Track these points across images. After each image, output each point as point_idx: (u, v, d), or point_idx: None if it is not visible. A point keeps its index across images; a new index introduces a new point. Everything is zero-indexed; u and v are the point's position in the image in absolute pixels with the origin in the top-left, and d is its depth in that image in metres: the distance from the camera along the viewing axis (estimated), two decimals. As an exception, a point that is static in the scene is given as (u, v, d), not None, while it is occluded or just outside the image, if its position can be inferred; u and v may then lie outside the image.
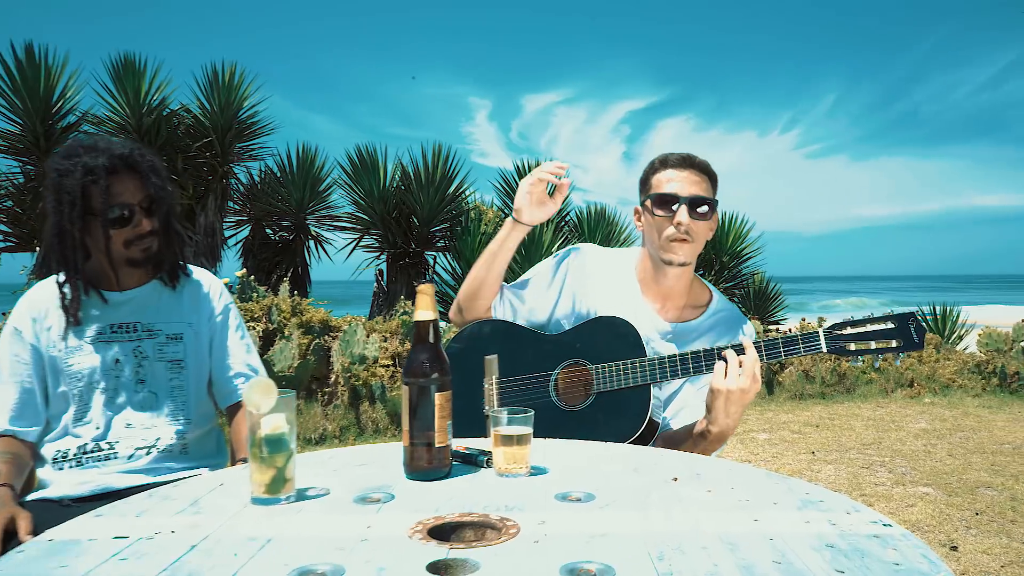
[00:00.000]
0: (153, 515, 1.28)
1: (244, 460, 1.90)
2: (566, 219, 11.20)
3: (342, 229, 11.51)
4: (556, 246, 9.68)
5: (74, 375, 1.94)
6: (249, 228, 11.31)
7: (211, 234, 10.33)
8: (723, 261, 10.65)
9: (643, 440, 1.93)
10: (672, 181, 2.04)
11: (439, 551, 1.08)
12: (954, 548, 3.45)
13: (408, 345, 6.97)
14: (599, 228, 10.61)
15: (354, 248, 11.34)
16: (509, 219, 2.13)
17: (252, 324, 6.62)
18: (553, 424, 1.99)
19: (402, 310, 7.59)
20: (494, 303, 2.22)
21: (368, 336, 6.76)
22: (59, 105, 9.77)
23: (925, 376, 7.88)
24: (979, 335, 8.70)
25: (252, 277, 7.19)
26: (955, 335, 9.76)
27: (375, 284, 10.85)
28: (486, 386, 2.11)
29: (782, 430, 6.10)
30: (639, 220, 2.14)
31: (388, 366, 6.68)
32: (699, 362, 1.91)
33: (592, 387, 2.00)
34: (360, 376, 6.38)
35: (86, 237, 1.93)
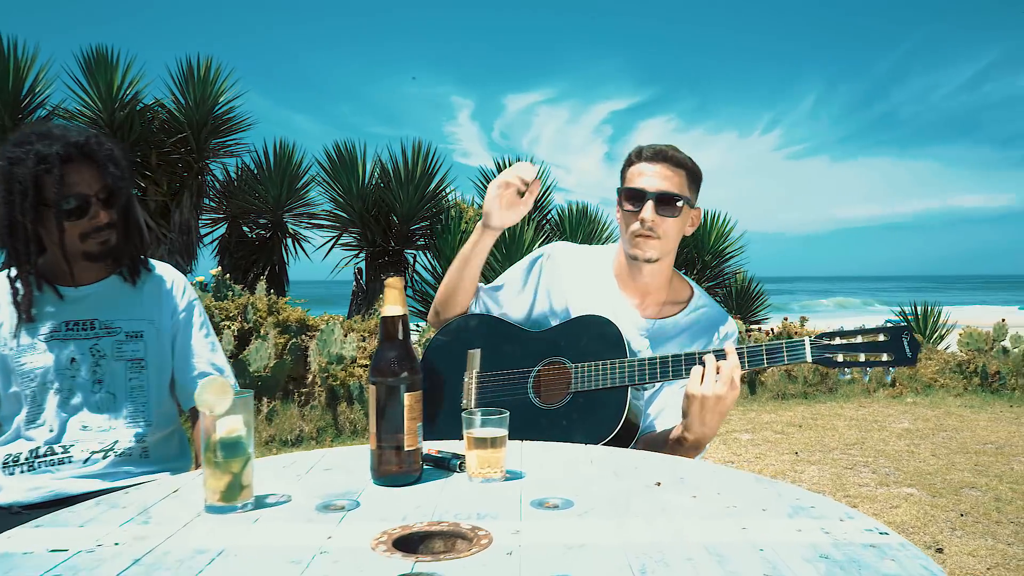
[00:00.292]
0: (98, 525, 1.19)
1: None
2: (547, 218, 11.14)
3: (320, 227, 11.39)
4: (537, 244, 9.61)
5: (26, 375, 1.84)
6: (225, 226, 11.14)
7: (186, 232, 10.15)
8: (705, 260, 10.63)
9: (621, 442, 1.86)
10: (643, 175, 1.98)
11: (404, 564, 1.00)
12: (940, 550, 3.41)
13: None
14: (581, 227, 10.54)
15: (332, 246, 11.22)
16: (479, 224, 2.07)
17: (227, 323, 6.50)
18: (528, 422, 1.94)
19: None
20: (471, 305, 2.19)
21: (346, 336, 6.65)
22: (28, 100, 9.54)
23: (907, 376, 7.88)
24: (960, 335, 8.72)
25: (228, 276, 7.06)
26: (936, 335, 9.79)
27: (354, 283, 10.72)
28: (465, 380, 2.05)
29: (765, 430, 6.05)
30: (618, 213, 2.08)
31: (366, 366, 6.57)
32: (679, 366, 1.84)
33: (570, 386, 1.93)
34: (338, 376, 6.27)
35: (39, 229, 1.83)
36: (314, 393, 6.28)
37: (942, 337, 9.79)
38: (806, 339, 1.79)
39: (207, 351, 2.05)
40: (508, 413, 1.41)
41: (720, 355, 1.78)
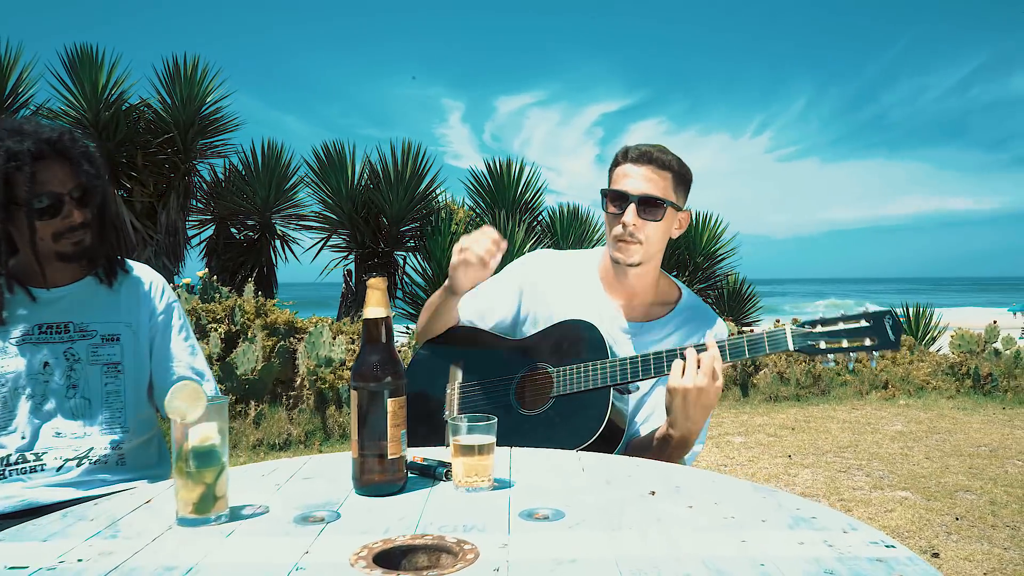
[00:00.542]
0: (62, 539, 1.12)
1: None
2: (539, 219, 11.08)
3: (309, 228, 11.29)
4: (528, 246, 9.56)
5: None
6: (213, 227, 11.03)
7: (173, 233, 10.04)
8: (697, 262, 10.59)
9: (607, 445, 1.81)
10: (627, 177, 1.92)
11: (384, 583, 0.94)
12: (936, 555, 3.37)
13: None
14: (572, 229, 10.49)
15: (321, 248, 11.13)
16: (444, 286, 1.99)
17: (214, 326, 6.42)
18: (511, 429, 1.89)
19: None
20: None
21: (335, 338, 6.58)
22: (11, 100, 9.42)
23: (899, 378, 7.86)
24: (951, 337, 8.70)
25: (215, 278, 6.98)
26: (928, 336, 9.77)
27: (343, 285, 10.63)
28: (448, 391, 2.01)
29: (757, 433, 6.01)
30: (604, 213, 2.03)
31: (355, 369, 6.50)
32: (660, 362, 1.79)
33: (552, 391, 1.88)
34: (326, 379, 6.20)
35: (10, 229, 1.76)
36: (302, 396, 6.20)
37: (934, 339, 9.78)
38: (787, 327, 1.75)
39: (187, 355, 1.99)
40: (496, 420, 1.35)
41: (701, 348, 1.74)
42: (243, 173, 10.98)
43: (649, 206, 1.90)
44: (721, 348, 1.74)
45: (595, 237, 10.71)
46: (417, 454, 1.49)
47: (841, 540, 1.06)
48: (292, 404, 6.16)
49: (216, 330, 6.31)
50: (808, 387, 7.61)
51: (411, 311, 9.97)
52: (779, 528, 1.12)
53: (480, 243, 1.84)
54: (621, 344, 1.97)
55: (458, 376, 2.04)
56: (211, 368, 2.16)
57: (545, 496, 1.28)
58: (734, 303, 10.53)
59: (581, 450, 1.74)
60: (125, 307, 1.92)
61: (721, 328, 2.05)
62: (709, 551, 1.02)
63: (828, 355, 1.72)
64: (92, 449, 1.82)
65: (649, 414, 2.00)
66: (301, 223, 11.31)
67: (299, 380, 6.33)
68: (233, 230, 11.14)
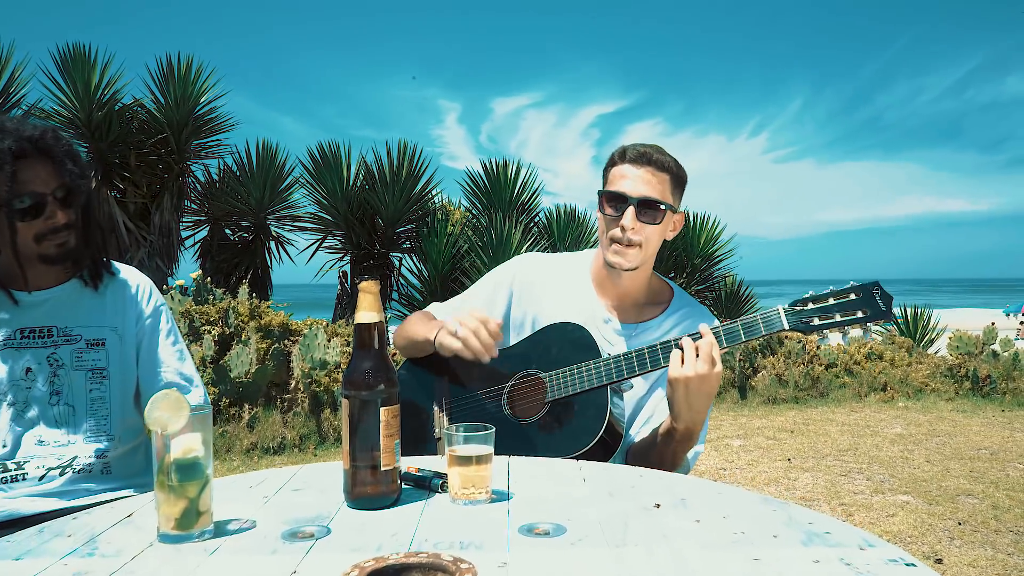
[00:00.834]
0: (37, 557, 1.07)
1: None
2: (535, 221, 11.02)
3: (304, 230, 11.21)
4: (525, 247, 9.50)
5: None
6: (207, 228, 10.94)
7: (167, 234, 9.94)
8: (695, 263, 10.54)
9: (606, 449, 1.76)
10: (625, 178, 1.87)
11: (375, 606, 0.88)
12: (939, 560, 3.32)
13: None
14: (569, 230, 10.43)
15: (316, 249, 11.05)
16: (430, 338, 1.89)
17: (208, 328, 6.35)
18: (506, 440, 1.82)
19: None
20: None
21: (329, 340, 6.51)
22: (2, 99, 9.32)
23: (898, 380, 7.82)
24: (950, 338, 8.67)
25: (209, 279, 6.90)
26: (927, 338, 9.74)
27: (339, 287, 10.55)
28: (436, 408, 1.95)
29: (756, 436, 5.96)
30: (599, 214, 1.97)
31: (351, 371, 6.44)
32: (655, 355, 1.75)
33: (546, 397, 1.83)
34: (321, 382, 6.14)
35: None
36: (297, 399, 6.14)
37: (932, 341, 9.75)
38: (780, 308, 1.73)
39: (175, 360, 1.93)
40: (493, 429, 1.30)
41: (696, 337, 1.71)
42: (237, 174, 10.90)
43: (648, 209, 1.85)
44: (716, 334, 1.71)
45: (592, 238, 10.65)
46: (411, 464, 1.43)
47: (859, 558, 1.01)
48: (287, 407, 6.09)
49: (210, 332, 6.24)
50: (806, 389, 7.57)
51: (407, 313, 9.90)
52: (792, 545, 1.06)
53: (481, 334, 1.76)
54: (616, 347, 1.93)
55: (446, 391, 1.98)
56: (203, 371, 2.10)
57: (545, 509, 1.23)
58: (731, 305, 10.48)
59: (581, 455, 1.69)
60: (111, 311, 1.86)
61: (714, 321, 2.01)
62: (720, 570, 0.97)
63: (823, 330, 1.71)
64: (76, 458, 1.76)
65: (649, 416, 1.96)
66: (296, 224, 11.23)
67: (294, 383, 6.27)
68: (227, 231, 11.05)
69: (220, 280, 9.80)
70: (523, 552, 1.04)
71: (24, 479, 1.72)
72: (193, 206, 10.90)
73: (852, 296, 1.70)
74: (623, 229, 1.84)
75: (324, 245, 11.01)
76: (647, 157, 1.87)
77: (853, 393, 7.61)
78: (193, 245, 10.95)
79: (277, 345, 6.39)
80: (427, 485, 1.35)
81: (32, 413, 1.75)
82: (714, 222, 11.01)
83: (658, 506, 1.24)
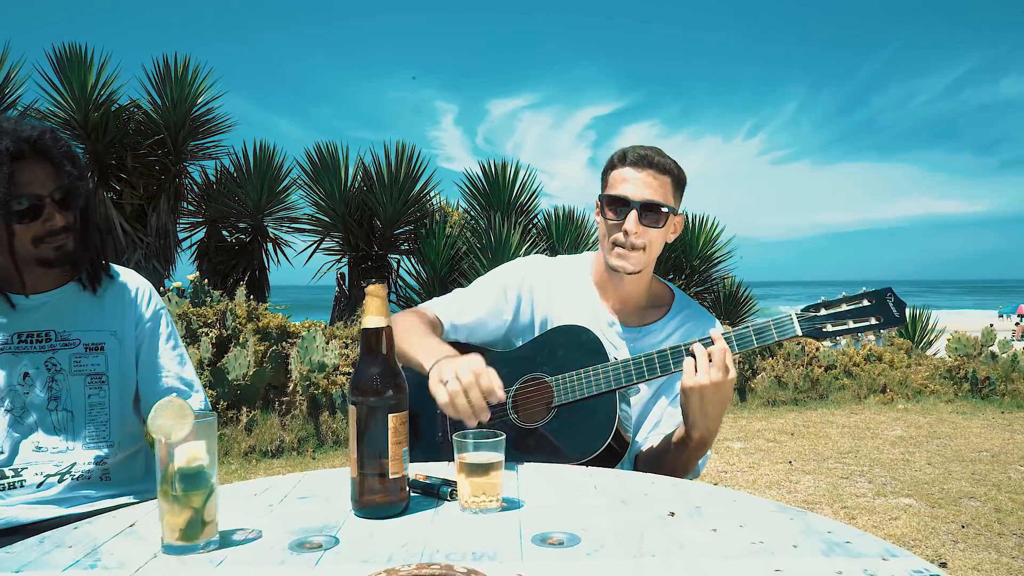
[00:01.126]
0: (38, 569, 1.04)
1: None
2: (534, 222, 10.99)
3: (302, 231, 11.16)
4: (524, 249, 9.47)
5: None
6: (204, 230, 10.90)
7: (164, 236, 9.89)
8: (693, 265, 10.52)
9: (613, 455, 1.73)
10: (626, 182, 1.84)
11: (389, 622, 0.85)
12: (943, 564, 3.30)
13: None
14: (567, 231, 10.41)
15: (314, 251, 11.01)
16: (424, 365, 1.68)
17: (205, 330, 6.31)
18: (512, 445, 1.79)
19: (364, 315, 7.31)
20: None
21: (328, 343, 6.48)
22: (-2, 99, 9.30)
23: (897, 382, 7.80)
24: (948, 340, 8.66)
25: (206, 281, 6.87)
26: (925, 340, 9.73)
27: (336, 288, 10.51)
28: (439, 411, 1.92)
29: (757, 438, 5.94)
30: (598, 216, 1.94)
31: (350, 374, 6.41)
32: (665, 361, 1.73)
33: (552, 401, 1.80)
34: (319, 385, 6.10)
35: None
36: (295, 402, 6.10)
37: (931, 343, 9.74)
38: (792, 313, 1.71)
39: (175, 364, 1.90)
40: (504, 436, 1.27)
41: (707, 343, 1.68)
42: (235, 175, 10.85)
43: (650, 212, 1.83)
44: (728, 340, 1.68)
45: (591, 240, 10.63)
46: (419, 471, 1.40)
47: (883, 569, 0.98)
48: (285, 410, 6.06)
49: (207, 335, 6.20)
50: (806, 391, 7.55)
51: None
52: (813, 555, 1.04)
53: (473, 393, 1.52)
54: (620, 350, 1.91)
55: None
56: (201, 374, 2.07)
57: (557, 518, 1.20)
58: (730, 306, 10.47)
59: (588, 462, 1.66)
60: (110, 314, 1.83)
61: (718, 325, 1.99)
62: (741, 583, 0.94)
63: (836, 337, 1.69)
64: (75, 464, 1.73)
65: (656, 421, 1.94)
66: (294, 226, 11.19)
67: (292, 385, 6.23)
68: (224, 233, 11.00)
69: (217, 282, 9.75)
70: (538, 563, 1.02)
71: (22, 486, 1.69)
72: (190, 208, 10.85)
73: (865, 302, 1.68)
74: (626, 233, 1.82)
75: (322, 247, 10.98)
76: (648, 160, 1.84)
77: (852, 395, 7.59)
78: (190, 247, 10.92)
79: (275, 347, 6.35)
80: (436, 493, 1.32)
81: (30, 419, 1.72)
82: (713, 224, 11.00)
83: (672, 514, 1.21)
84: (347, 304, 10.05)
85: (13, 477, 1.69)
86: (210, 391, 5.56)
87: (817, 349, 8.35)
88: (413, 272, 10.47)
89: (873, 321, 1.67)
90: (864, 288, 1.71)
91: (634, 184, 1.83)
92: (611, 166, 1.90)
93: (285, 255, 11.38)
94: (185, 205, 10.76)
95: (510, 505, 1.27)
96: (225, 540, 1.12)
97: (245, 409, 5.80)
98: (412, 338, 1.77)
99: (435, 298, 2.02)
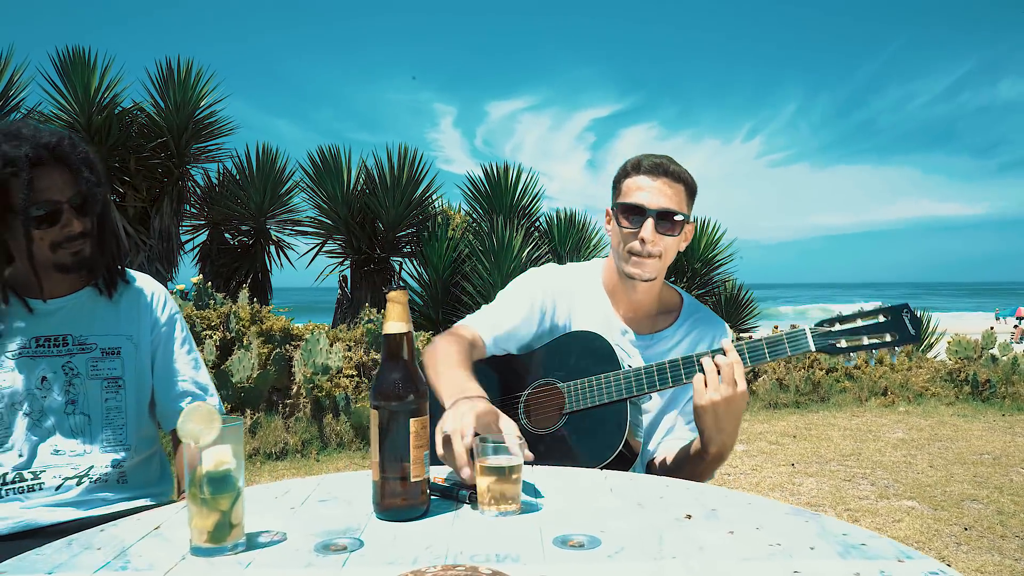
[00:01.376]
0: (69, 571, 1.06)
1: None
2: (536, 225, 11.01)
3: (304, 234, 11.19)
4: (526, 252, 9.49)
5: None
6: (207, 233, 10.92)
7: (167, 239, 9.91)
8: (695, 268, 10.55)
9: (623, 462, 1.75)
10: (642, 190, 1.85)
11: (420, 622, 0.87)
12: (947, 566, 3.31)
13: (374, 354, 6.73)
14: (569, 234, 10.42)
15: (316, 254, 11.03)
16: (444, 404, 1.55)
17: (209, 332, 6.33)
18: None
19: (367, 318, 7.33)
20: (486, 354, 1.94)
21: (331, 345, 6.50)
22: (2, 102, 9.28)
23: (899, 384, 7.83)
24: (948, 343, 8.68)
25: (209, 284, 6.88)
26: (926, 343, 9.75)
27: (339, 291, 10.53)
28: None
29: (759, 441, 5.96)
30: (609, 224, 1.95)
31: (352, 376, 6.42)
32: (677, 371, 1.74)
33: (564, 407, 1.81)
34: (323, 387, 6.12)
35: (6, 238, 1.68)
36: (299, 404, 6.12)
37: (931, 345, 9.76)
38: (806, 328, 1.71)
39: (190, 369, 1.92)
40: (524, 439, 1.29)
41: (718, 352, 1.68)
42: (237, 178, 10.87)
43: (666, 220, 1.84)
44: (740, 352, 1.69)
45: (592, 243, 10.66)
46: (437, 474, 1.42)
47: (898, 570, 1.01)
48: (288, 412, 6.07)
49: (211, 337, 6.22)
50: (807, 394, 7.58)
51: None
52: (830, 557, 1.06)
53: (456, 455, 1.37)
54: (633, 358, 1.93)
55: None
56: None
57: (575, 521, 1.22)
58: (731, 309, 10.49)
59: (599, 468, 1.68)
60: (126, 319, 1.85)
61: (728, 330, 2.01)
62: (762, 584, 0.97)
63: (850, 353, 1.69)
64: (92, 467, 1.75)
65: (669, 428, 1.95)
66: (296, 228, 11.21)
67: (295, 388, 6.25)
68: (227, 235, 11.02)
69: (220, 285, 9.77)
70: (561, 565, 1.04)
71: (41, 489, 1.71)
72: (193, 210, 10.87)
73: (880, 318, 1.67)
74: (643, 241, 1.83)
75: (324, 249, 11.00)
76: (663, 168, 1.85)
77: (854, 398, 7.61)
78: (192, 249, 10.94)
79: (278, 350, 6.37)
80: (454, 496, 1.34)
81: (48, 423, 1.74)
82: (714, 226, 11.02)
83: (689, 517, 1.23)
84: (349, 307, 10.07)
85: (32, 480, 1.71)
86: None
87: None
88: (415, 275, 10.49)
89: (888, 338, 1.66)
90: (879, 303, 1.71)
91: (650, 192, 1.84)
92: (624, 174, 1.90)
93: (288, 258, 11.42)
94: (188, 208, 10.78)
95: (528, 508, 1.29)
96: (251, 542, 1.14)
97: (249, 411, 5.82)
98: (440, 369, 1.70)
99: (468, 316, 1.99)
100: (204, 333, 6.31)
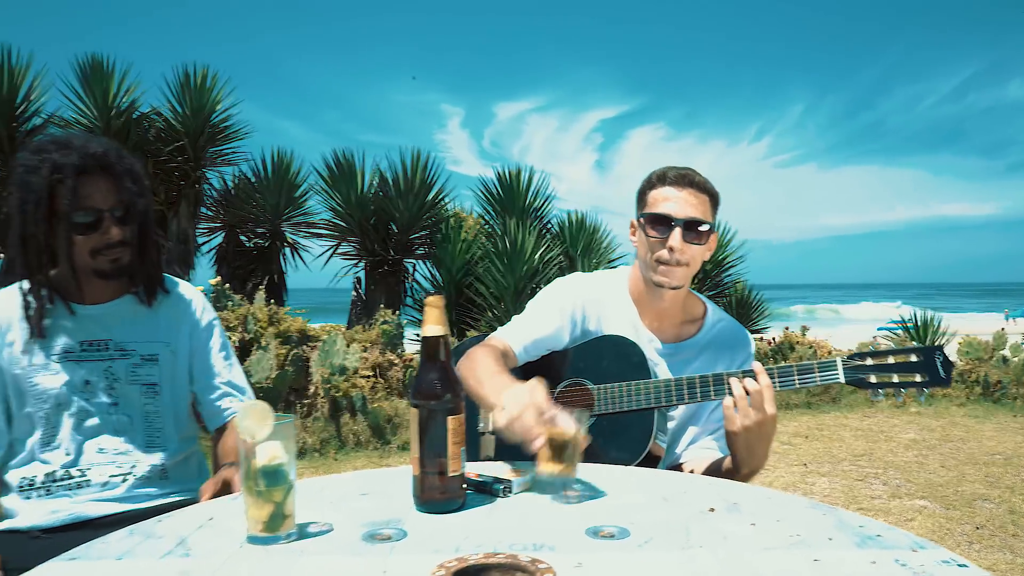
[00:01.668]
0: (136, 558, 1.13)
1: (228, 465, 1.76)
2: (547, 227, 11.08)
3: (319, 236, 11.28)
4: (539, 254, 9.55)
5: (40, 395, 1.77)
6: (223, 235, 11.03)
7: (184, 241, 10.03)
8: (706, 270, 10.58)
9: (646, 466, 1.81)
10: (668, 200, 1.90)
11: (469, 603, 0.95)
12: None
13: (390, 354, 6.81)
14: (581, 237, 10.49)
15: (331, 256, 11.13)
16: (491, 405, 1.64)
17: (228, 334, 6.42)
18: None
19: (382, 319, 7.42)
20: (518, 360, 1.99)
21: (348, 346, 6.58)
22: (24, 107, 9.44)
23: (909, 385, 7.85)
24: (959, 344, 8.70)
25: (227, 285, 6.98)
26: (936, 344, 9.75)
27: (353, 292, 10.63)
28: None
29: (771, 441, 6.01)
30: (634, 235, 2.01)
31: (369, 377, 6.51)
32: (707, 387, 1.79)
33: (592, 408, 1.88)
34: (340, 387, 6.21)
35: (52, 241, 1.75)
36: (316, 404, 6.21)
37: (941, 346, 9.76)
38: (838, 360, 1.74)
39: (226, 371, 1.99)
40: (588, 413, 1.43)
41: (748, 374, 1.72)
42: (252, 181, 10.98)
43: (693, 229, 1.89)
44: (771, 374, 1.72)
45: (603, 245, 10.71)
46: (471, 470, 1.50)
47: (913, 559, 1.07)
48: (306, 412, 6.16)
49: (229, 338, 6.31)
50: (819, 395, 7.62)
51: (420, 318, 9.91)
52: (847, 547, 1.12)
53: (524, 423, 1.46)
54: (659, 365, 1.97)
55: None
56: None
57: (605, 513, 1.29)
58: (742, 311, 10.52)
59: None
60: (165, 326, 1.92)
61: (751, 340, 2.05)
62: (784, 570, 1.03)
63: (879, 389, 1.71)
64: (135, 466, 1.82)
65: (695, 437, 2.01)
66: (311, 231, 11.31)
67: (313, 388, 6.34)
68: (243, 238, 11.14)
69: (237, 286, 9.86)
70: (595, 554, 1.11)
71: (88, 485, 1.78)
72: (209, 213, 10.99)
73: (912, 358, 1.70)
74: (671, 250, 1.88)
75: (339, 252, 11.09)
76: (688, 179, 1.91)
77: (865, 398, 7.65)
78: (209, 251, 11.05)
79: (296, 351, 6.46)
80: (489, 490, 1.41)
81: (93, 422, 1.81)
82: (725, 228, 11.06)
83: (712, 510, 1.30)
84: (364, 308, 10.16)
85: (80, 477, 1.78)
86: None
87: (830, 352, 8.41)
88: (428, 277, 10.58)
89: (918, 379, 1.68)
90: (914, 343, 1.75)
91: (676, 202, 1.89)
92: (650, 186, 1.96)
93: (303, 259, 11.52)
94: (204, 211, 10.89)
95: (560, 500, 1.36)
96: (302, 532, 1.22)
97: (268, 412, 5.90)
98: (481, 377, 1.73)
99: (499, 328, 2.03)
100: (223, 334, 6.40)
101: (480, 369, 1.76)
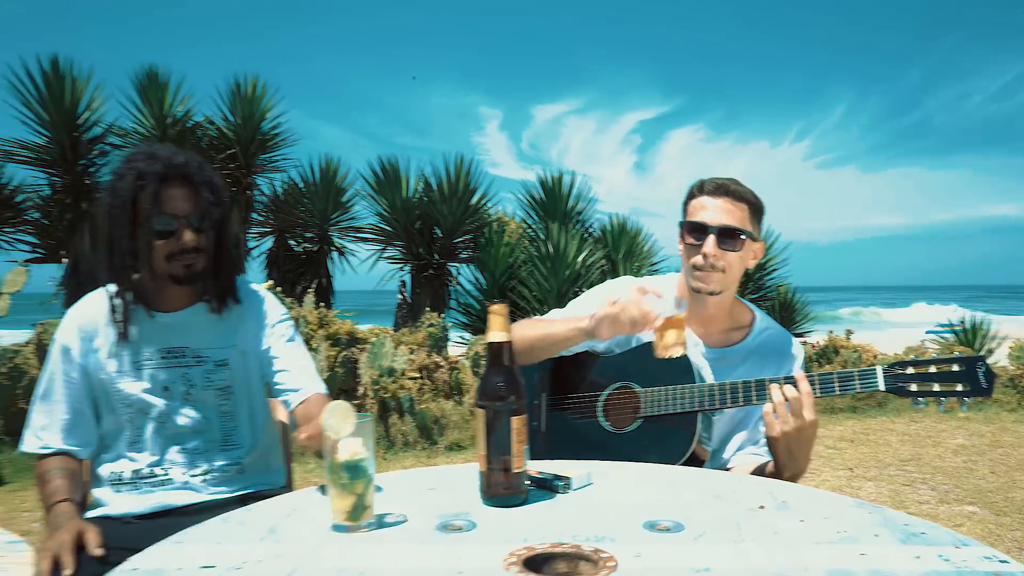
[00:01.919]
0: (232, 542, 1.24)
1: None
2: (589, 231, 11.15)
3: (365, 241, 11.51)
4: (581, 258, 9.62)
5: (124, 400, 1.89)
6: (272, 239, 11.32)
7: (235, 245, 10.27)
8: (748, 273, 10.54)
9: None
10: (705, 209, 1.99)
11: (541, 587, 1.04)
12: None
13: (436, 356, 6.93)
14: (623, 241, 10.54)
15: (378, 260, 11.33)
16: (582, 328, 1.93)
17: (280, 336, 6.60)
18: (599, 445, 1.99)
19: (428, 322, 7.56)
20: None
21: (396, 348, 6.73)
22: (84, 117, 9.83)
23: (958, 390, 7.74)
24: (1010, 348, 8.55)
25: (279, 288, 7.18)
26: (986, 348, 9.60)
27: (399, 295, 10.82)
28: (536, 402, 2.11)
29: (816, 445, 5.97)
30: (680, 244, 2.09)
31: (416, 378, 6.64)
32: (749, 393, 1.85)
33: (639, 411, 1.96)
34: (388, 389, 6.35)
35: (135, 246, 1.86)
36: (365, 405, 6.36)
37: (992, 351, 9.60)
38: (878, 368, 1.78)
39: (296, 358, 2.05)
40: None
41: (789, 380, 1.78)
42: (301, 187, 11.26)
43: (728, 236, 1.96)
44: (811, 381, 1.78)
45: (645, 248, 10.75)
46: (530, 467, 1.59)
47: (955, 555, 1.14)
48: (355, 413, 6.31)
49: (282, 340, 6.49)
50: (864, 399, 7.56)
51: (465, 321, 10.09)
52: (893, 543, 1.19)
53: (634, 308, 1.79)
54: (704, 370, 2.03)
55: (547, 390, 2.14)
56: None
57: (661, 509, 1.37)
58: (785, 314, 10.47)
59: None
60: (235, 330, 2.00)
61: (799, 348, 2.10)
62: (832, 563, 1.11)
63: (919, 398, 1.75)
64: (214, 464, 1.93)
65: (742, 443, 2.07)
66: (357, 235, 11.54)
67: (362, 389, 6.49)
68: (292, 242, 11.41)
69: (286, 289, 10.10)
70: (652, 546, 1.19)
71: (171, 483, 1.90)
72: (259, 218, 11.28)
73: (954, 367, 1.72)
74: (705, 256, 1.96)
75: (384, 255, 11.30)
76: (725, 188, 1.99)
77: (912, 403, 7.56)
78: (259, 256, 11.34)
79: (345, 352, 6.62)
80: (550, 486, 1.50)
81: (173, 425, 1.91)
82: (768, 231, 11.02)
83: (762, 507, 1.38)
84: (409, 311, 10.33)
85: (163, 476, 1.90)
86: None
87: (875, 356, 8.34)
88: (472, 280, 10.72)
89: (959, 388, 1.71)
90: (956, 353, 1.79)
91: (712, 211, 1.98)
92: (690, 196, 2.05)
93: (350, 263, 11.75)
94: (255, 216, 11.19)
95: (615, 496, 1.45)
96: (380, 522, 1.32)
97: (319, 412, 6.06)
98: (541, 325, 2.05)
99: (547, 313, 2.15)
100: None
101: (535, 321, 2.01)
